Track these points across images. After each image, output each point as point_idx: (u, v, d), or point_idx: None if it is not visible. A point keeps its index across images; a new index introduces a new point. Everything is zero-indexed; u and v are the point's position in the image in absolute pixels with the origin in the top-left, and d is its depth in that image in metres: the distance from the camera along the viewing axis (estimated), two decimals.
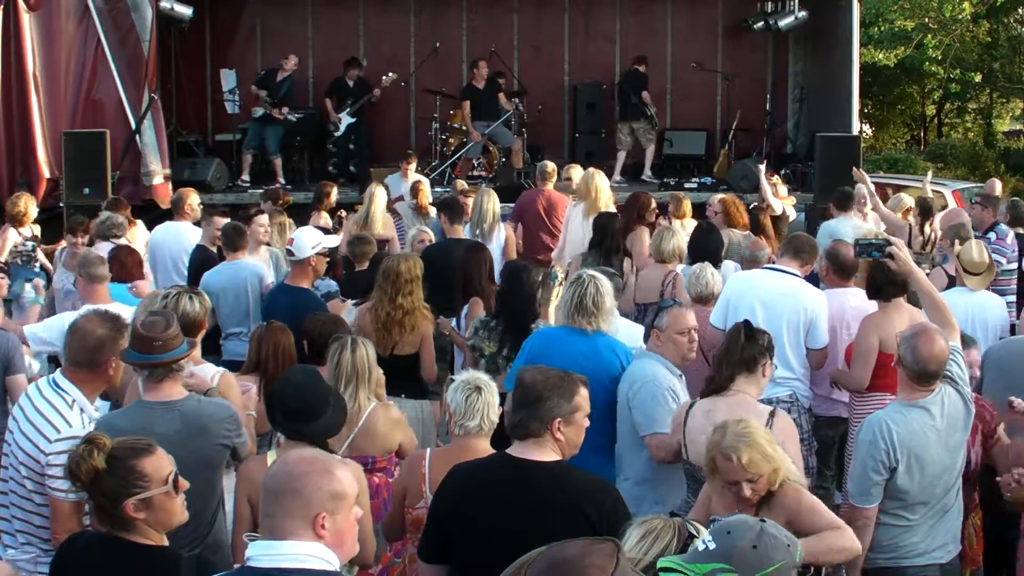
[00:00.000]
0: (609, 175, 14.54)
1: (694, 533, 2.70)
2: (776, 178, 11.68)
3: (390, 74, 14.39)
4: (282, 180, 14.21)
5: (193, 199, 9.31)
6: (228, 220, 8.15)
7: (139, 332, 4.26)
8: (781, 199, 10.72)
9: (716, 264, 7.36)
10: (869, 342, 5.84)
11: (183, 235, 8.92)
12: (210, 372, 4.99)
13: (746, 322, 4.81)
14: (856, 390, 5.96)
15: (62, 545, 3.38)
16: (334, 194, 10.44)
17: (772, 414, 4.51)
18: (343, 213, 10.54)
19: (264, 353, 5.49)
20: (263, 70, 14.72)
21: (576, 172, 10.53)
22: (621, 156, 14.93)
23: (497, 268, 7.82)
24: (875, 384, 5.84)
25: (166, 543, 3.26)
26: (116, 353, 4.23)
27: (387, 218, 9.61)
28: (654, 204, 8.89)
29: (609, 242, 7.89)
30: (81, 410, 4.14)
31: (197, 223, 8.99)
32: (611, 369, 5.18)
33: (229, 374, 5.10)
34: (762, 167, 11.12)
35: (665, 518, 2.81)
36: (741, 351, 4.61)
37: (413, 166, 11.94)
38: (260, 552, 2.71)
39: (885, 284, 5.85)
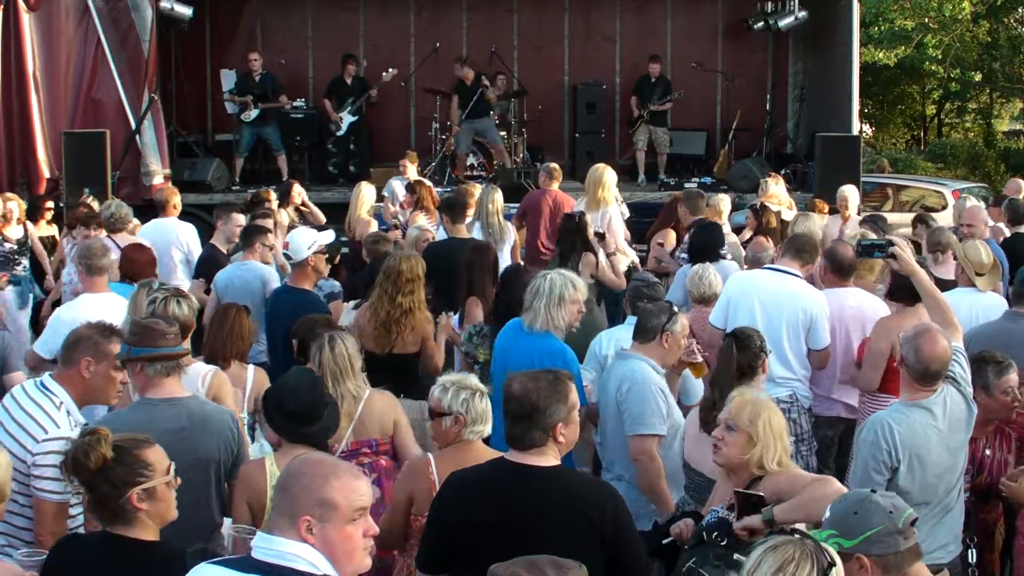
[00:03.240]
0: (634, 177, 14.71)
1: (832, 562, 2.63)
2: (779, 180, 11.70)
3: (390, 70, 14.36)
4: (286, 177, 14.19)
5: (177, 198, 9.42)
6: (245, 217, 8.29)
7: (147, 326, 4.29)
8: (770, 198, 10.69)
9: (713, 259, 7.41)
10: (880, 346, 5.80)
11: (172, 232, 8.93)
12: (201, 371, 4.97)
13: (733, 333, 4.80)
14: (865, 391, 5.95)
15: (54, 549, 3.36)
16: (294, 191, 10.63)
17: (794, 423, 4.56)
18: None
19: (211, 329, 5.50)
20: (237, 76, 14.73)
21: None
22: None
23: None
24: (887, 387, 5.79)
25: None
26: (93, 354, 4.18)
27: (368, 218, 9.60)
28: None
29: (564, 243, 7.95)
30: (68, 412, 4.11)
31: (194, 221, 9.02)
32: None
33: (221, 372, 5.08)
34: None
35: (797, 541, 2.67)
36: (738, 363, 4.61)
37: (413, 167, 11.85)
38: (259, 544, 2.74)
39: (902, 287, 5.77)
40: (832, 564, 2.66)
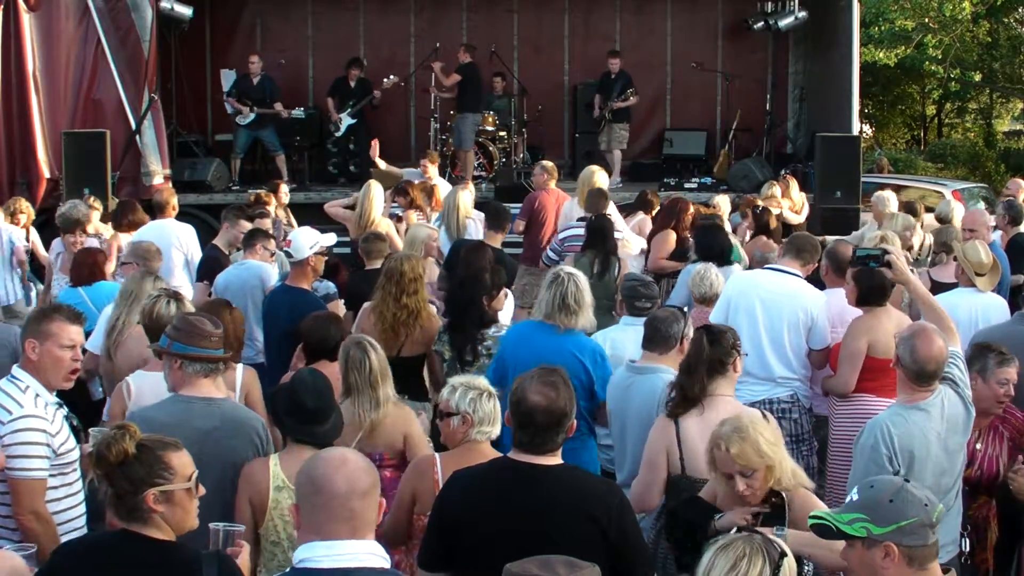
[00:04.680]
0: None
1: (784, 552, 2.68)
2: (793, 182, 11.71)
3: (391, 76, 14.37)
4: (286, 178, 14.18)
5: (175, 199, 9.48)
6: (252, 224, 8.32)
7: (194, 324, 4.30)
8: (774, 205, 10.66)
9: (722, 263, 7.39)
10: (857, 345, 5.77)
11: (172, 233, 8.93)
12: None
13: (706, 326, 4.78)
14: (841, 393, 5.85)
15: (56, 551, 3.33)
16: (280, 191, 10.84)
17: (763, 417, 4.49)
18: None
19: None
20: (235, 78, 14.76)
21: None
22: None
23: None
24: (859, 387, 5.78)
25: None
26: (35, 334, 4.20)
27: (385, 220, 9.58)
28: (692, 210, 9.06)
29: (610, 243, 7.90)
30: (36, 395, 4.13)
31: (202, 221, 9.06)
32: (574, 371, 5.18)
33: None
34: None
35: (746, 538, 2.76)
36: (709, 357, 4.56)
37: (434, 167, 11.47)
38: (320, 554, 2.80)
39: (871, 292, 5.75)
40: (783, 555, 2.73)
